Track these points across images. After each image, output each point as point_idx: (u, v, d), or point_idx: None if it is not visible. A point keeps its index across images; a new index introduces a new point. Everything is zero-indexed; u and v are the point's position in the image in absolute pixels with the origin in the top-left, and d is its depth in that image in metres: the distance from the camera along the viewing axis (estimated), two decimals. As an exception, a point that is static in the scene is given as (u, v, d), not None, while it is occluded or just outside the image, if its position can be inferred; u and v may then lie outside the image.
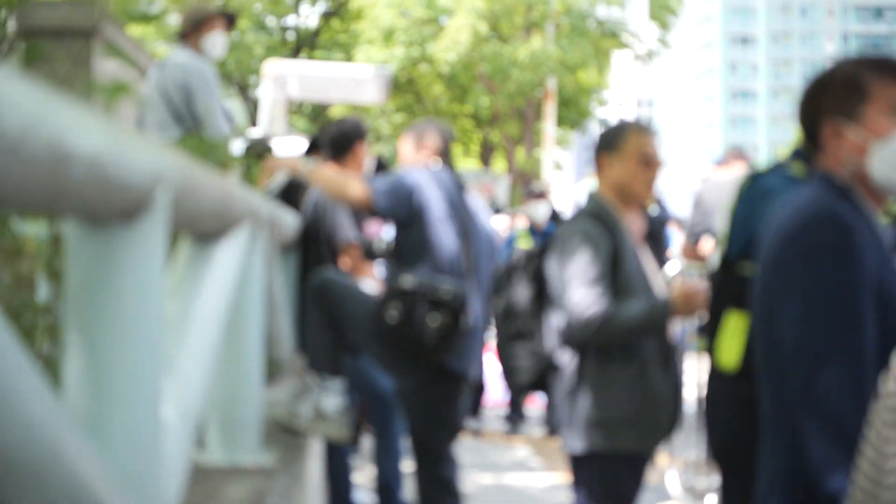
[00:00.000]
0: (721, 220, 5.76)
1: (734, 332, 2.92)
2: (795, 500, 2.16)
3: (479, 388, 7.93)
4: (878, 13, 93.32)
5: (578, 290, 3.21)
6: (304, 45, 23.31)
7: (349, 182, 4.02)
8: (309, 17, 24.33)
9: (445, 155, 4.27)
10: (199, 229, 2.20)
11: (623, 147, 3.43)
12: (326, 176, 4.08)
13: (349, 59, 21.25)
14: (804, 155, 2.82)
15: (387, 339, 3.96)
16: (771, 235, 2.29)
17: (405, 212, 4.00)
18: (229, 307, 2.37)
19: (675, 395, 3.42)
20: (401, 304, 3.90)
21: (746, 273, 2.83)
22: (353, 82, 11.70)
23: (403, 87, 24.18)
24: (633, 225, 3.46)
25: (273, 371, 3.58)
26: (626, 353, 3.29)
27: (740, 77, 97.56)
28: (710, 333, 2.99)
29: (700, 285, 3.32)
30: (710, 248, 5.77)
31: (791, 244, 2.21)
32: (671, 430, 3.43)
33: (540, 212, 8.27)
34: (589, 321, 3.20)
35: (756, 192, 2.94)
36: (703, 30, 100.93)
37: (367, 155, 4.82)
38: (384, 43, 20.32)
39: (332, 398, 3.71)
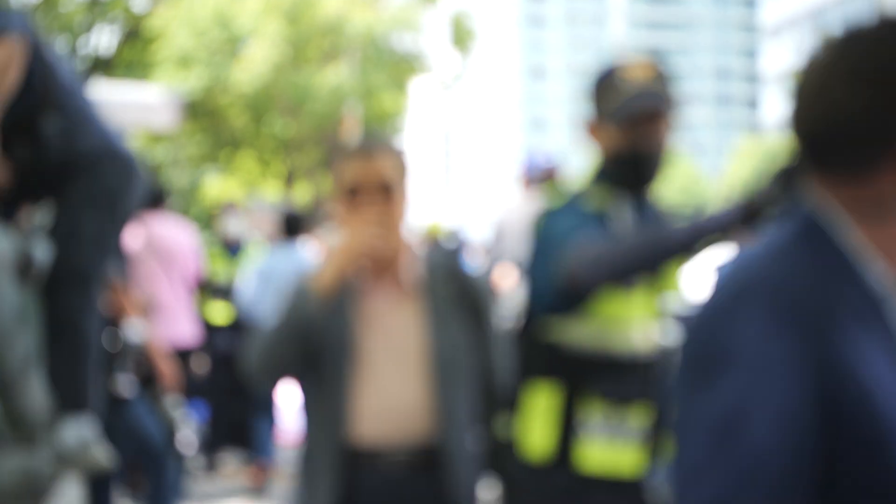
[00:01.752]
0: (515, 244, 5.43)
1: (543, 410, 2.42)
2: None
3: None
4: (659, 51, 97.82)
5: None
6: (99, 66, 22.37)
7: None
8: (104, 38, 23.37)
9: None
10: None
11: (336, 181, 2.54)
12: None
13: (147, 81, 20.50)
14: (611, 174, 2.49)
15: None
16: (693, 316, 1.33)
17: None
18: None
19: None
20: None
21: (554, 334, 2.45)
22: (143, 106, 11.19)
23: (202, 113, 23.53)
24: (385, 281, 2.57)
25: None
26: None
27: (539, 106, 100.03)
28: (511, 411, 2.48)
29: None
30: (506, 278, 5.49)
31: (697, 334, 1.29)
32: None
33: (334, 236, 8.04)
34: None
35: (550, 233, 2.46)
36: (502, 61, 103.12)
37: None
38: (182, 66, 19.69)
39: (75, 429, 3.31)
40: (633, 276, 2.32)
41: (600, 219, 2.48)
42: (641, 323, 2.51)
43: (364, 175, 2.48)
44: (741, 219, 2.06)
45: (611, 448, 2.44)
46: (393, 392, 2.45)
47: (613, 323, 2.47)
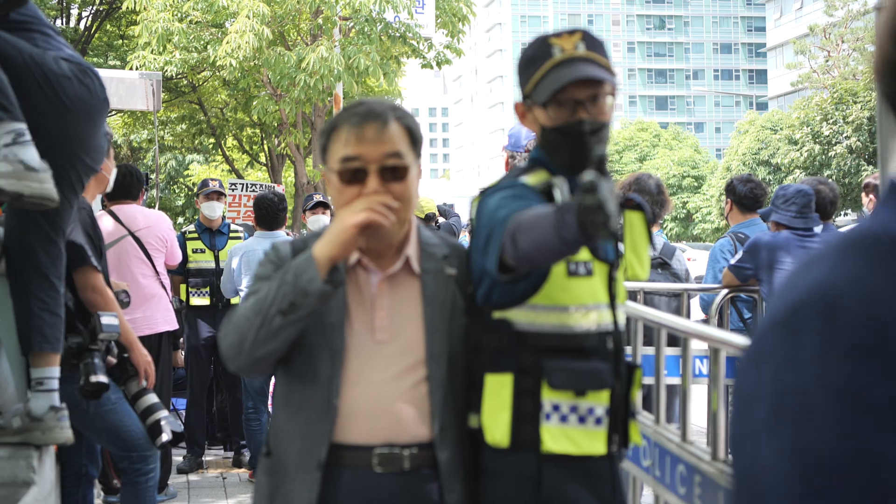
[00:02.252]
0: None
1: (497, 398, 2.30)
2: None
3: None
4: (661, 23, 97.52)
5: None
6: (75, 47, 22.00)
7: None
8: (80, 20, 22.99)
9: None
10: None
11: (328, 158, 2.29)
12: None
13: (124, 64, 20.11)
14: (546, 154, 2.38)
15: None
16: (769, 309, 1.00)
17: None
18: None
19: None
20: None
21: (514, 317, 2.32)
22: (123, 88, 10.90)
23: (186, 95, 23.22)
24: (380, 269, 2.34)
25: None
26: None
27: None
28: (475, 402, 2.35)
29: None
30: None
31: (777, 331, 0.95)
32: None
33: (322, 225, 7.66)
34: None
35: (482, 215, 2.30)
36: (494, 36, 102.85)
37: None
38: (161, 47, 19.22)
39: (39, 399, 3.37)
40: (541, 262, 2.14)
41: (538, 198, 2.33)
42: (602, 306, 2.40)
43: (365, 145, 2.20)
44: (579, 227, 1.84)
45: (573, 431, 2.34)
46: (385, 385, 2.23)
47: (574, 306, 2.34)
